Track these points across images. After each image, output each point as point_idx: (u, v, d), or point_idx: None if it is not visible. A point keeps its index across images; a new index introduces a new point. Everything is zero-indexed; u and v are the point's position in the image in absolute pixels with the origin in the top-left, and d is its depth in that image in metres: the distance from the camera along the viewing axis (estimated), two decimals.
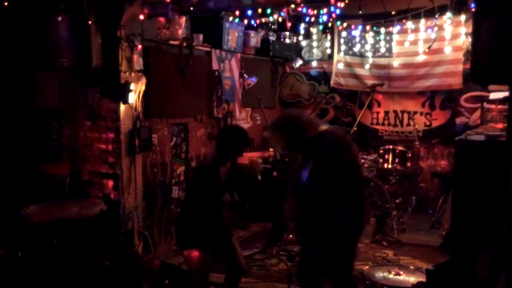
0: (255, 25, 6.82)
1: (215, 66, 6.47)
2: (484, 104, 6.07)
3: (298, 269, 3.69)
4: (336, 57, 7.98)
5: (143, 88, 5.05)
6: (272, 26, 7.82)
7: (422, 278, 3.48)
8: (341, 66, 7.91)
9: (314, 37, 8.37)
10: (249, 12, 5.90)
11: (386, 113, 7.90)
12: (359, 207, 3.44)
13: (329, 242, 3.36)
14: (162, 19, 5.33)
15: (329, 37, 8.23)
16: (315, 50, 8.43)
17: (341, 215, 3.33)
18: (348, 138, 3.60)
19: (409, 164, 6.63)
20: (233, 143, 3.96)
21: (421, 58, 7.12)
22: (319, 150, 3.34)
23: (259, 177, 4.86)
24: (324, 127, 3.53)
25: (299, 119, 3.45)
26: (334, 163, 3.29)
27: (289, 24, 5.52)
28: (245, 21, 6.50)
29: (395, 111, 7.84)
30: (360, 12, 5.00)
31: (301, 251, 3.82)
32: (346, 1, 4.73)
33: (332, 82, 8.05)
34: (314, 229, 3.43)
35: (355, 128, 6.75)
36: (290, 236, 5.78)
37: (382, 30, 6.82)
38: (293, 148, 3.54)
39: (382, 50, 7.51)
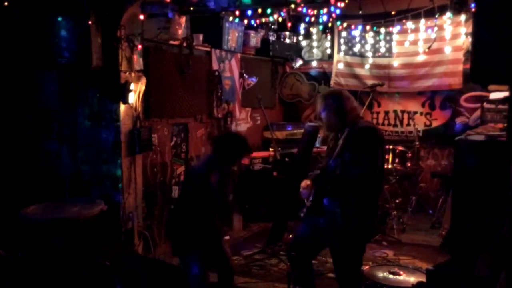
0: (255, 25, 6.82)
1: (215, 66, 6.47)
2: (484, 104, 6.06)
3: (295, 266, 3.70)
4: (336, 57, 7.98)
5: (143, 88, 5.05)
6: (272, 26, 7.82)
7: (422, 278, 3.48)
8: (341, 66, 7.91)
9: (314, 37, 8.38)
10: (249, 12, 5.90)
11: (386, 113, 7.91)
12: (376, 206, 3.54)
13: (353, 218, 3.43)
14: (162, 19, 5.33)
15: (329, 37, 8.23)
16: (315, 50, 8.43)
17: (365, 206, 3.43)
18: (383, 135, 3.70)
19: (409, 164, 6.64)
20: (233, 152, 3.89)
21: (421, 58, 7.12)
22: (356, 134, 3.41)
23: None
24: (361, 119, 3.65)
25: (349, 100, 3.56)
26: (372, 151, 3.39)
27: (289, 24, 5.52)
28: (245, 21, 6.50)
29: (395, 111, 7.85)
30: (360, 12, 5.00)
31: (298, 237, 3.87)
32: (346, 1, 4.73)
33: (332, 82, 8.05)
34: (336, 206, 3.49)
35: None
36: (290, 236, 5.80)
37: (382, 30, 6.82)
38: (330, 122, 3.58)
39: (382, 50, 7.51)
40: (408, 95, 7.68)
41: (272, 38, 7.86)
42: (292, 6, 4.82)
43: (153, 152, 5.49)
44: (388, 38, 7.35)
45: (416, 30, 6.56)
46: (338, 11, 5.11)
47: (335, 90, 3.80)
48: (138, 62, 4.99)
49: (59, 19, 4.50)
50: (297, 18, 6.97)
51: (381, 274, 3.81)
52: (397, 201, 6.67)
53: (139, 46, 4.95)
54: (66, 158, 5.16)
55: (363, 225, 3.46)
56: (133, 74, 4.91)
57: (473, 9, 2.64)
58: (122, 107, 4.88)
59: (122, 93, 4.78)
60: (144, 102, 5.18)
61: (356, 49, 7.74)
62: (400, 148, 6.68)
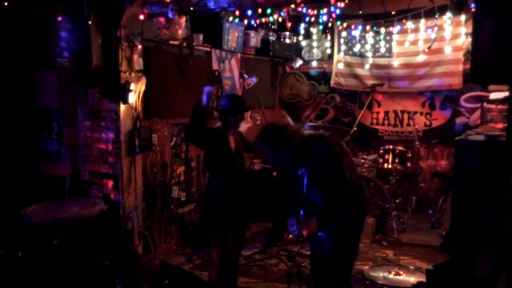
0: (255, 25, 6.81)
1: (215, 66, 6.46)
2: (484, 104, 6.07)
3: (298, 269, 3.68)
4: (336, 57, 7.97)
5: (143, 88, 5.05)
6: (272, 26, 7.82)
7: (422, 278, 3.49)
8: (341, 66, 7.91)
9: (314, 37, 8.37)
10: (249, 12, 5.89)
11: (386, 113, 7.90)
12: (358, 206, 3.41)
13: (327, 244, 3.35)
14: (162, 19, 5.33)
15: (329, 37, 8.22)
16: (315, 50, 8.43)
17: (340, 217, 3.30)
18: (336, 137, 3.48)
19: (409, 164, 6.64)
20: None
21: (421, 58, 7.11)
22: (315, 157, 3.26)
23: None
24: (306, 131, 3.46)
25: (285, 128, 3.39)
26: (334, 168, 3.23)
27: (289, 24, 5.51)
28: (245, 21, 6.50)
29: (395, 111, 7.84)
30: (360, 12, 4.99)
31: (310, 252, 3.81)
32: (346, 1, 4.72)
33: (332, 82, 8.05)
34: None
35: (355, 128, 6.75)
36: (290, 236, 5.80)
37: (382, 30, 6.81)
38: (285, 159, 3.40)
39: (382, 50, 7.50)
40: (408, 95, 7.68)
41: (272, 38, 7.86)
42: (292, 6, 4.82)
43: (153, 152, 5.49)
44: (388, 38, 7.35)
45: (416, 30, 6.55)
46: (338, 11, 5.10)
47: (265, 130, 3.47)
48: (138, 62, 5.00)
49: (59, 19, 4.50)
50: (297, 18, 6.96)
51: (381, 274, 3.82)
52: (397, 201, 6.67)
53: (139, 46, 4.95)
54: (66, 158, 5.16)
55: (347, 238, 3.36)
56: (133, 74, 4.91)
57: (473, 9, 2.64)
58: (122, 107, 4.88)
59: (122, 93, 4.78)
60: (144, 102, 5.18)
61: (356, 49, 7.73)
62: (400, 148, 6.68)
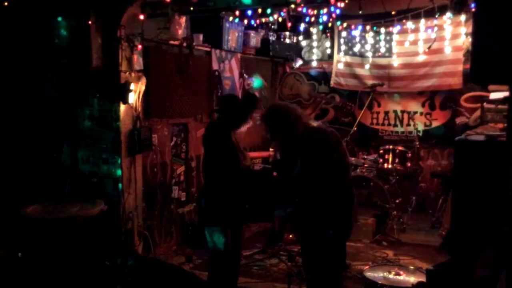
0: (255, 25, 6.81)
1: (215, 66, 6.46)
2: (484, 104, 6.06)
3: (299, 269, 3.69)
4: (336, 57, 7.98)
5: (143, 88, 5.05)
6: (272, 26, 7.82)
7: (422, 278, 3.49)
8: (341, 66, 7.91)
9: (314, 37, 8.37)
10: (249, 12, 5.89)
11: (386, 113, 7.90)
12: (346, 207, 3.39)
13: (306, 240, 3.35)
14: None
15: (329, 37, 8.23)
16: (315, 50, 8.43)
17: (321, 216, 3.30)
18: (338, 136, 3.50)
19: (409, 164, 6.63)
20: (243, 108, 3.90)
21: (421, 58, 7.11)
22: (306, 147, 3.29)
23: None
24: (314, 123, 3.49)
25: (289, 112, 3.42)
26: (321, 160, 3.24)
27: (289, 24, 5.52)
28: (245, 21, 6.50)
29: (395, 111, 7.85)
30: (360, 12, 4.99)
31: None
32: (346, 1, 4.73)
33: (332, 82, 8.05)
34: (301, 226, 3.43)
35: (355, 128, 6.75)
36: (290, 236, 5.80)
37: (382, 30, 6.82)
38: (279, 141, 3.50)
39: (382, 50, 7.50)
40: (408, 95, 7.68)
41: (272, 38, 7.86)
42: (292, 6, 4.82)
43: (153, 152, 5.49)
44: (388, 38, 7.35)
45: (416, 30, 6.55)
46: (338, 11, 5.11)
47: (272, 108, 3.57)
48: (138, 62, 4.99)
49: (59, 19, 4.51)
50: (297, 18, 6.96)
51: (381, 274, 3.82)
52: (397, 201, 6.66)
53: (139, 46, 4.95)
54: (66, 158, 5.16)
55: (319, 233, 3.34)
56: (133, 74, 4.91)
57: (473, 9, 2.65)
58: (122, 107, 4.88)
59: (122, 93, 4.79)
60: (144, 102, 5.18)
61: (356, 49, 7.73)
62: (400, 148, 6.67)
